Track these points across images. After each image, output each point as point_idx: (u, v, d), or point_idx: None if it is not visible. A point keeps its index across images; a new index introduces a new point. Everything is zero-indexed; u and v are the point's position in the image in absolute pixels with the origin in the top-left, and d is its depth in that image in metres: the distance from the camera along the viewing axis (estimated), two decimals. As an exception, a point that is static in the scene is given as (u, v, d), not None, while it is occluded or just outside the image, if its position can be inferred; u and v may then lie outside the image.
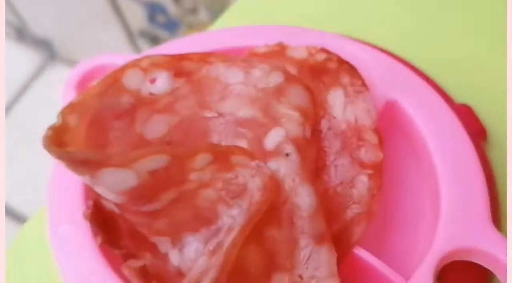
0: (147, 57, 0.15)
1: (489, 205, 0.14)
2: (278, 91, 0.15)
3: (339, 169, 0.15)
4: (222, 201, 0.14)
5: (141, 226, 0.14)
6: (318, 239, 0.13)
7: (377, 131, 0.15)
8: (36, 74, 0.82)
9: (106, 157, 0.12)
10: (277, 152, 0.14)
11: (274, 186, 0.14)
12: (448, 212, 0.14)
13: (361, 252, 0.14)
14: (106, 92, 0.14)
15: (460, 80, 0.20)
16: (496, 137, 0.19)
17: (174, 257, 0.15)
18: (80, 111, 0.14)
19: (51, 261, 0.15)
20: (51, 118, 0.14)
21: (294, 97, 0.15)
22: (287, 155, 0.14)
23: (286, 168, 0.14)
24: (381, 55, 0.17)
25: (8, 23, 0.80)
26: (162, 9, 0.57)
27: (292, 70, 0.16)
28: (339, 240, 0.14)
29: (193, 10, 0.54)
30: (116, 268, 0.14)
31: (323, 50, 0.17)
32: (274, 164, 0.14)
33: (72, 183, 0.16)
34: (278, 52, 0.17)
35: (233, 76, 0.16)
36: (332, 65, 0.16)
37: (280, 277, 0.14)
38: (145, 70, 0.15)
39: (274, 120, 0.15)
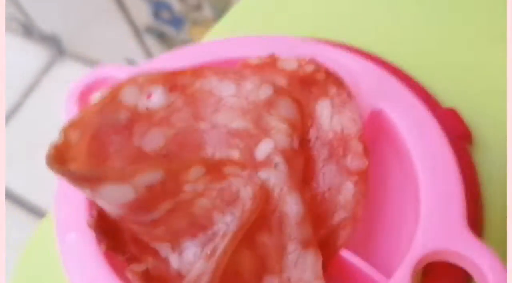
0: (143, 73, 0.16)
1: (465, 209, 0.15)
2: (268, 104, 0.16)
3: (326, 176, 0.16)
4: (216, 209, 0.15)
5: (142, 234, 0.15)
6: (305, 244, 0.14)
7: (362, 139, 0.16)
8: (46, 69, 0.83)
9: (104, 173, 0.13)
10: (267, 163, 0.15)
11: (263, 195, 0.15)
12: (426, 216, 0.15)
13: (347, 254, 0.15)
14: (105, 109, 0.15)
15: (449, 85, 0.21)
16: (482, 140, 0.19)
17: (174, 261, 0.16)
18: (81, 128, 0.15)
19: (61, 269, 0.16)
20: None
21: (283, 110, 0.16)
22: (276, 165, 0.15)
23: (275, 178, 0.15)
24: (369, 65, 0.18)
25: (15, 19, 0.81)
26: (166, 6, 0.58)
27: (283, 81, 0.17)
28: (326, 243, 0.15)
29: (198, 7, 0.55)
30: (121, 274, 0.15)
31: (312, 61, 0.17)
32: (265, 174, 0.15)
33: (77, 192, 0.17)
34: (270, 64, 0.18)
35: (225, 89, 0.17)
36: (320, 76, 0.17)
37: (270, 280, 0.15)
38: (141, 86, 0.16)
39: (265, 132, 0.16)
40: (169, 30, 0.62)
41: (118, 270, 0.16)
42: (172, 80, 0.16)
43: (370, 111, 0.17)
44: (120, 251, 0.16)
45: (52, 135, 0.15)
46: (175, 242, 0.16)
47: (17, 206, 0.67)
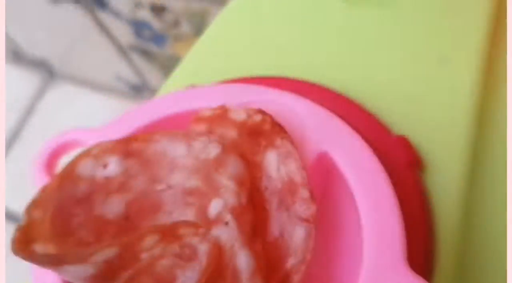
0: (97, 145, 0.17)
1: (404, 245, 0.15)
2: (217, 162, 0.17)
3: (278, 223, 0.17)
4: (177, 266, 0.16)
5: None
6: (258, 297, 0.15)
7: (308, 186, 0.17)
8: (40, 94, 0.85)
9: (64, 257, 0.14)
10: (218, 220, 0.16)
11: (216, 251, 0.16)
12: (367, 256, 0.15)
13: (302, 298, 0.16)
14: (63, 184, 0.16)
15: (400, 112, 0.21)
16: (434, 165, 0.20)
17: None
18: (42, 206, 0.16)
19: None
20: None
21: (230, 167, 0.17)
22: (226, 223, 0.16)
23: (227, 235, 0.16)
24: (315, 108, 0.19)
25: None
26: (146, 25, 0.58)
27: (233, 133, 0.18)
28: (282, 289, 0.16)
29: (175, 24, 0.56)
30: None
31: (259, 111, 0.18)
32: (217, 231, 0.16)
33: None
34: (221, 115, 0.19)
35: (177, 150, 0.18)
36: (266, 126, 0.18)
37: (231, 330, 0.16)
38: (96, 158, 0.17)
39: (215, 190, 0.17)
40: (152, 47, 0.63)
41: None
42: (125, 148, 0.17)
43: (317, 154, 0.18)
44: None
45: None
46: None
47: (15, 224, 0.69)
